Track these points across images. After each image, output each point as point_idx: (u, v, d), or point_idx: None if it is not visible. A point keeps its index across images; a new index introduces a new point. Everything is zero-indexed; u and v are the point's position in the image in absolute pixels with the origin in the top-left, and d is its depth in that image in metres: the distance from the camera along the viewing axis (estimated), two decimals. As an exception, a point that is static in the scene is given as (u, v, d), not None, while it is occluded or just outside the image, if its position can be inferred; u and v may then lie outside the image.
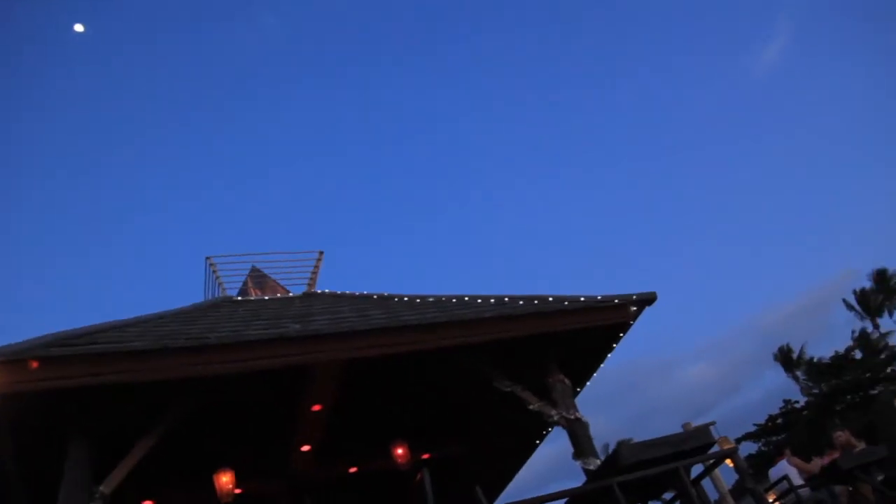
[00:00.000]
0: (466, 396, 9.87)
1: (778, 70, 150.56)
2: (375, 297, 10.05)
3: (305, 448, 9.15)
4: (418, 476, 5.81)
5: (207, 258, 11.38)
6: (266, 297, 11.05)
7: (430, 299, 9.21)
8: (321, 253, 11.83)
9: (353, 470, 10.31)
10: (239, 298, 10.97)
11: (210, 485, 8.62)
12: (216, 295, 11.35)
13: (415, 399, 9.98)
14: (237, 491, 8.90)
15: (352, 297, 10.38)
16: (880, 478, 10.90)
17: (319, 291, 11.44)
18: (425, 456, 10.25)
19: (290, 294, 11.42)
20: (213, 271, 11.30)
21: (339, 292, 11.02)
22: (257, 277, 11.66)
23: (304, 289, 11.62)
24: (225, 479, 8.67)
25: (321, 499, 9.80)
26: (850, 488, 10.78)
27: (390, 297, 9.77)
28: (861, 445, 12.10)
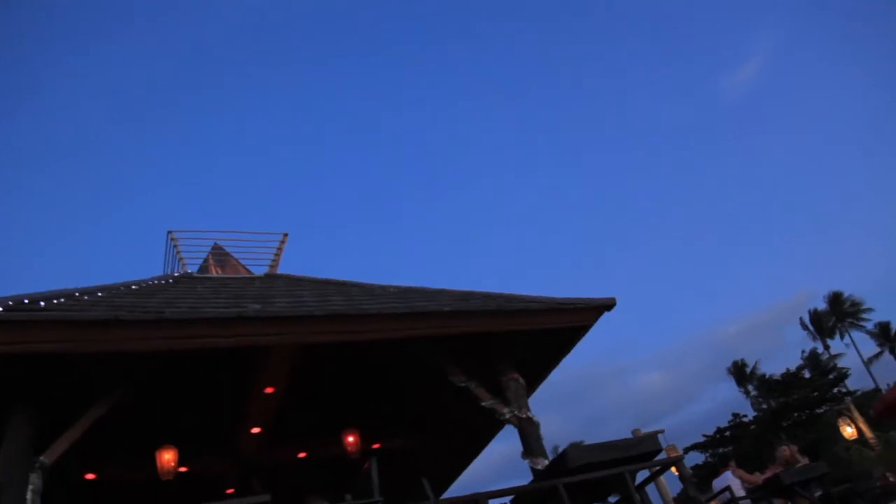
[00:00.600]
0: (421, 389, 9.86)
1: (751, 90, 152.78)
2: (337, 283, 9.99)
3: (255, 430, 9.07)
4: (366, 465, 5.81)
5: (169, 232, 11.20)
6: (227, 276, 10.91)
7: (392, 290, 9.18)
8: (285, 235, 11.71)
9: (302, 455, 10.25)
10: (199, 275, 10.82)
11: (153, 462, 8.51)
12: (176, 270, 11.19)
13: (369, 388, 9.94)
14: (182, 469, 8.79)
15: (313, 281, 10.31)
16: (818, 493, 11.18)
17: (281, 274, 11.32)
18: (375, 446, 10.22)
19: (252, 274, 11.29)
20: (175, 246, 11.12)
21: (300, 276, 10.93)
22: (219, 255, 11.51)
23: (266, 270, 11.50)
24: (168, 457, 8.55)
25: (268, 481, 9.72)
26: (790, 502, 11.02)
27: (352, 285, 9.72)
28: (803, 461, 12.39)
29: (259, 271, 11.53)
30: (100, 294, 7.29)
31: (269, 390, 8.15)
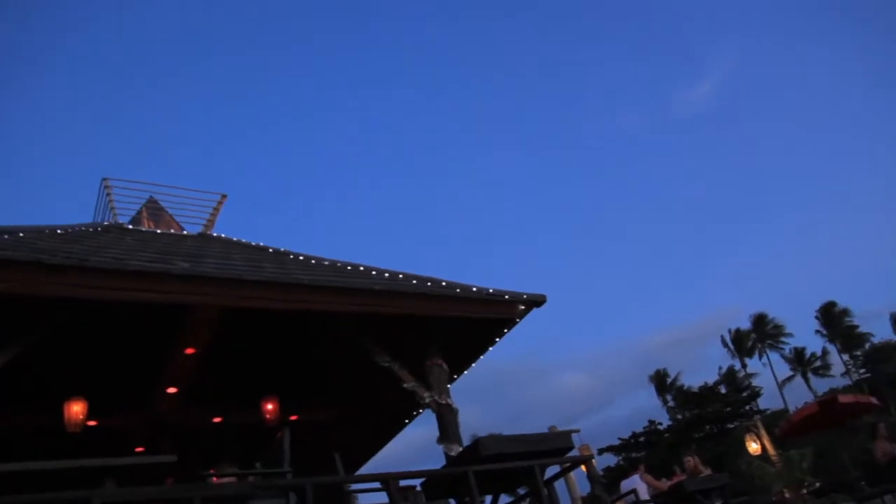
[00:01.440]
0: (345, 365, 9.82)
1: (702, 110, 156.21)
2: (271, 250, 9.86)
3: (172, 390, 8.91)
4: (279, 434, 5.77)
5: (104, 180, 10.85)
6: (159, 231, 10.66)
7: (326, 263, 9.11)
8: (224, 196, 11.50)
9: (217, 419, 10.12)
10: (130, 227, 10.54)
11: (61, 412, 8.28)
12: (107, 219, 10.87)
13: (292, 358, 9.86)
14: (91, 423, 8.58)
15: (247, 246, 10.16)
16: (718, 503, 11.62)
17: (216, 235, 11.12)
18: (293, 417, 10.16)
19: (185, 232, 11.06)
20: (108, 194, 10.79)
21: (235, 239, 10.75)
22: (153, 210, 11.22)
23: (200, 230, 11.27)
24: (76, 409, 8.33)
25: (180, 443, 9.56)
26: (689, 509, 11.43)
27: (286, 254, 9.61)
28: (707, 472, 12.84)
29: (193, 230, 11.30)
30: (21, 235, 7.05)
31: (189, 351, 8.02)
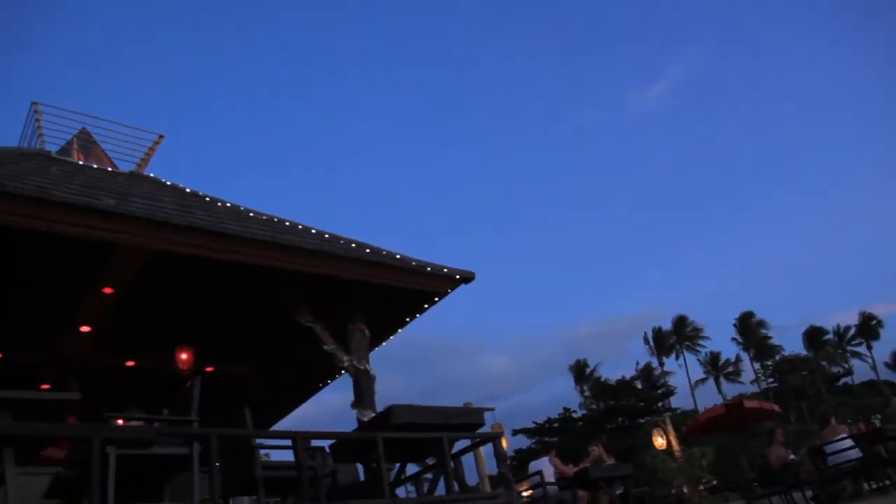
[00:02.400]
0: (266, 321, 9.71)
1: (656, 106, 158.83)
2: (207, 198, 9.64)
3: (85, 329, 8.67)
4: (189, 383, 5.68)
5: (34, 104, 10.39)
6: (88, 165, 10.29)
7: (263, 217, 8.98)
8: (161, 137, 11.16)
9: (130, 363, 9.91)
10: (57, 156, 10.14)
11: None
12: (33, 146, 10.44)
13: (213, 309, 9.68)
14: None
15: (180, 190, 9.91)
16: (619, 491, 12.02)
17: (148, 175, 10.80)
18: (209, 368, 10.03)
19: (117, 169, 10.71)
20: (37, 119, 10.34)
21: (168, 182, 10.47)
22: (85, 142, 10.82)
23: (133, 168, 10.93)
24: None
25: (89, 383, 9.33)
26: (591, 494, 11.80)
27: (221, 203, 9.42)
28: (611, 461, 13.25)
29: (126, 168, 10.95)
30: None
31: (107, 290, 7.80)
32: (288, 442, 6.05)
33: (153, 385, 9.90)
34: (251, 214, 8.97)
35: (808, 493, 12.29)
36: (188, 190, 9.95)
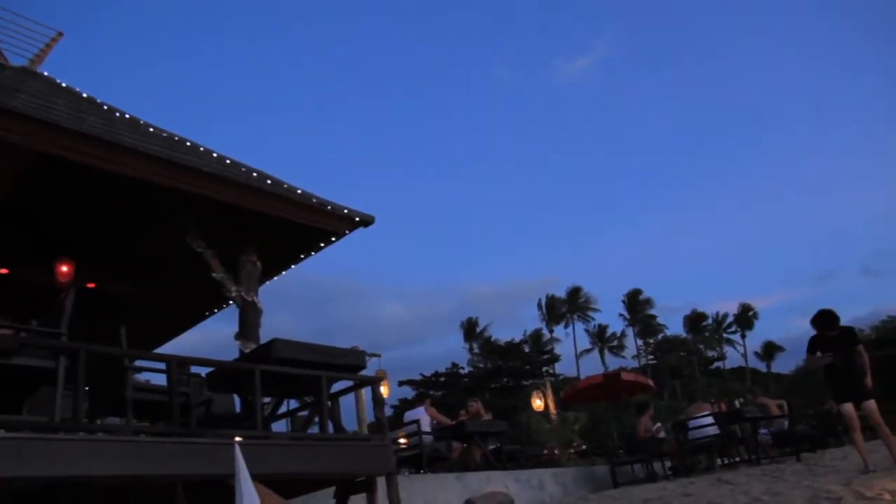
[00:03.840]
0: (154, 241, 9.34)
1: (578, 84, 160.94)
2: (105, 106, 9.12)
3: (-45, 229, 8.14)
4: (63, 295, 5.44)
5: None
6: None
7: (164, 134, 8.58)
8: (60, 34, 10.42)
9: (3, 271, 9.37)
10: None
11: None
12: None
13: (100, 224, 9.25)
14: None
15: (76, 94, 9.32)
16: (493, 447, 12.44)
17: (42, 73, 10.10)
18: (90, 284, 9.61)
19: (6, 62, 9.96)
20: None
21: (66, 85, 9.83)
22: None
23: (25, 64, 10.19)
24: None
25: (-45, 287, 8.81)
26: (465, 446, 12.18)
27: (119, 112, 8.93)
28: (488, 417, 13.66)
29: (17, 62, 10.20)
30: None
31: (-18, 190, 7.32)
32: (164, 366, 5.92)
33: (27, 296, 9.43)
34: (151, 129, 8.56)
35: (668, 464, 13.06)
36: (85, 95, 9.38)
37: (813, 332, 8.71)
